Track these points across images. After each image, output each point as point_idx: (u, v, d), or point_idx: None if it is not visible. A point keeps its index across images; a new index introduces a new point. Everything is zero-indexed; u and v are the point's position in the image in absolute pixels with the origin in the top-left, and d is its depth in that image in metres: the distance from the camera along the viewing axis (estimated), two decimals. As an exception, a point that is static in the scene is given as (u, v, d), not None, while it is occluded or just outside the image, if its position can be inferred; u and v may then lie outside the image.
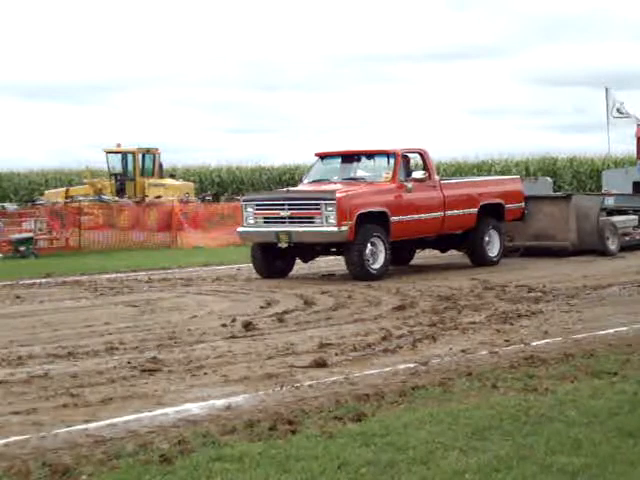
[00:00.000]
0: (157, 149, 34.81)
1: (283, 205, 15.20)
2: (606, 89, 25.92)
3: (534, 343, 8.72)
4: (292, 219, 15.03)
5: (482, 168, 42.90)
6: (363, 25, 68.98)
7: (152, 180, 33.86)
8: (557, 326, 9.76)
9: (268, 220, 15.38)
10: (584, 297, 12.14)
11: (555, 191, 25.49)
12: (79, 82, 67.27)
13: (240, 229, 15.97)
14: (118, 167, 34.58)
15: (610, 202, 20.49)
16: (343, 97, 69.67)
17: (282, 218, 15.14)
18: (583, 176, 41.41)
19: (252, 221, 15.57)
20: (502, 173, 40.11)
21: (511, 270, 16.07)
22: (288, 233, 14.96)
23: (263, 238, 15.41)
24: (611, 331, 9.37)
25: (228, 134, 70.92)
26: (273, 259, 15.69)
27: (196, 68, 69.30)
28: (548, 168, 41.76)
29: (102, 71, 68.79)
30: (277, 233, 15.07)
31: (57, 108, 72.24)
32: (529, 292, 12.66)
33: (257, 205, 15.62)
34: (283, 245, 15.22)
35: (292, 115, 67.93)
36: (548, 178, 25.26)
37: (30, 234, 23.18)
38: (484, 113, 70.00)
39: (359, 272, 14.70)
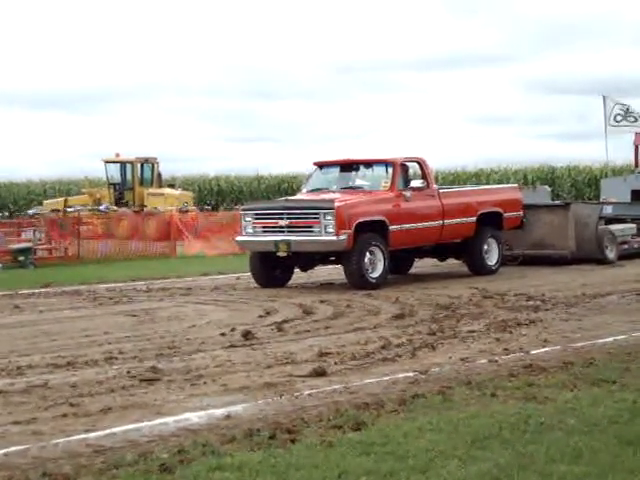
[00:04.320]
0: (156, 158, 34.88)
1: (282, 214, 15.20)
2: (604, 97, 25.95)
3: (533, 351, 8.71)
4: (291, 228, 15.04)
5: (480, 177, 42.99)
6: (362, 34, 69.18)
7: (151, 190, 33.92)
8: (556, 334, 9.76)
9: (267, 229, 15.39)
10: (583, 305, 12.14)
11: (554, 200, 25.53)
12: (77, 92, 67.43)
13: (239, 238, 15.99)
14: (117, 177, 34.64)
15: (608, 210, 20.50)
16: (343, 106, 69.85)
17: (281, 227, 15.14)
18: (582, 184, 41.51)
19: (251, 230, 15.58)
20: (500, 182, 40.20)
21: (510, 279, 16.08)
22: (287, 242, 14.96)
23: (262, 247, 15.42)
24: (610, 339, 9.37)
25: (227, 143, 71.11)
26: (272, 268, 15.69)
27: (195, 77, 69.52)
28: (547, 177, 41.87)
29: (101, 81, 68.90)
30: (276, 242, 15.07)
31: (56, 118, 72.40)
32: (528, 300, 12.67)
33: (256, 214, 15.63)
34: (282, 254, 15.23)
35: (292, 124, 68.07)
36: (547, 187, 25.30)
37: (29, 244, 23.17)
38: (483, 121, 70.17)
39: (358, 281, 14.70)
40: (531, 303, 12.38)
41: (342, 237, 14.57)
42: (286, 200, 16.83)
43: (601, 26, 64.07)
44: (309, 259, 15.85)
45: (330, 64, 68.97)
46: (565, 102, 67.81)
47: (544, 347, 8.97)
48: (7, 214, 36.92)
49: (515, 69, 67.72)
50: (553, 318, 11.00)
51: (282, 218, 15.13)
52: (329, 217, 14.62)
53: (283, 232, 15.08)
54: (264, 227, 15.43)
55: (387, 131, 65.29)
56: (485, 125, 71.41)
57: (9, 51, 69.14)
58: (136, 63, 71.16)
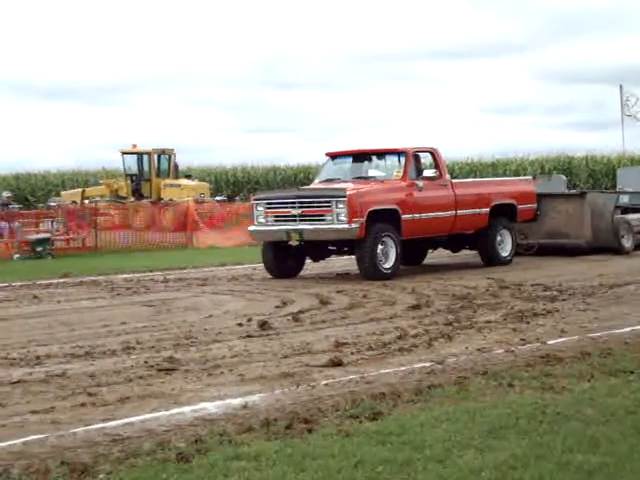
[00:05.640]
0: (172, 149, 34.95)
1: (294, 203, 15.14)
2: (620, 86, 25.83)
3: (550, 342, 8.69)
4: (303, 217, 14.98)
5: (497, 167, 42.84)
6: (379, 23, 69.09)
7: (168, 180, 34.00)
8: (573, 324, 9.73)
9: (279, 218, 15.34)
10: (600, 295, 12.10)
11: (570, 189, 25.42)
12: (95, 83, 67.62)
13: (251, 228, 15.93)
14: (134, 168, 34.74)
15: (625, 200, 20.41)
16: (359, 96, 69.83)
17: (293, 216, 15.08)
18: (599, 174, 41.29)
19: (263, 220, 15.53)
20: (517, 172, 40.09)
21: (526, 269, 16.04)
22: (299, 231, 14.92)
23: (274, 237, 15.38)
24: (627, 329, 9.33)
25: (244, 134, 71.20)
26: (284, 258, 15.68)
27: (212, 68, 69.56)
28: (564, 166, 41.66)
29: (118, 72, 69.09)
30: (288, 231, 15.03)
31: (73, 109, 72.62)
32: (545, 291, 12.63)
33: (268, 204, 15.57)
34: (294, 243, 15.19)
35: (308, 114, 68.08)
36: (562, 176, 25.20)
37: (47, 235, 23.31)
38: (500, 111, 70.00)
39: (370, 271, 14.63)
40: (548, 293, 12.35)
41: (354, 225, 14.52)
42: (298, 189, 16.82)
43: (618, 14, 63.74)
44: (321, 249, 15.83)
45: (346, 54, 68.91)
46: (582, 91, 67.59)
47: (561, 337, 8.95)
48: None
49: (531, 58, 67.47)
50: (570, 308, 10.97)
51: (294, 207, 15.08)
52: (341, 205, 14.56)
53: (295, 221, 15.03)
54: (276, 216, 15.38)
55: (403, 121, 65.25)
56: (501, 115, 71.24)
57: (26, 42, 69.35)
58: (153, 54, 71.26)
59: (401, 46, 67.10)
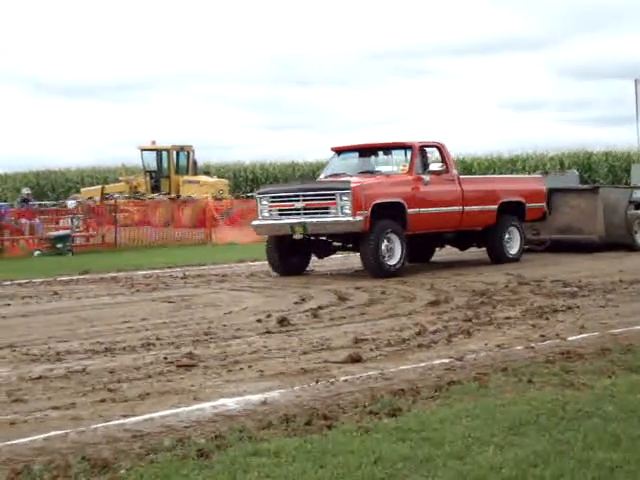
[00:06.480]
0: (191, 146, 35.04)
1: (298, 196, 14.95)
2: (635, 81, 25.64)
3: (570, 338, 8.65)
4: (307, 210, 14.79)
5: (517, 163, 42.69)
6: (395, 20, 68.93)
7: (186, 177, 34.10)
8: (594, 321, 9.68)
9: (283, 212, 15.15)
10: (621, 292, 12.03)
11: (586, 184, 25.26)
12: (114, 80, 67.87)
13: (255, 222, 15.68)
14: (153, 164, 34.85)
15: (638, 195, 20.26)
16: (376, 93, 69.75)
17: (297, 210, 14.89)
18: (618, 170, 41.06)
19: (267, 214, 15.34)
20: (536, 168, 39.92)
21: (545, 265, 15.97)
22: (303, 224, 14.74)
23: (278, 231, 15.18)
24: (648, 326, 9.28)
25: (263, 130, 71.29)
26: (288, 255, 15.56)
27: (231, 65, 69.72)
28: (583, 162, 41.45)
29: (137, 69, 69.31)
30: (292, 225, 14.85)
31: (93, 106, 72.96)
32: (565, 287, 12.58)
33: (272, 197, 15.36)
34: (298, 237, 15.02)
35: (326, 111, 68.08)
36: (575, 170, 25.05)
37: (67, 231, 23.43)
38: (519, 107, 69.81)
39: (375, 268, 14.42)
40: (567, 289, 12.30)
41: (359, 218, 14.33)
42: (302, 182, 16.70)
43: (634, 9, 63.33)
44: (325, 245, 15.71)
45: (364, 50, 68.88)
46: (600, 87, 67.29)
47: (581, 333, 8.90)
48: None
49: (549, 54, 67.28)
50: (590, 304, 10.92)
51: (298, 200, 14.89)
52: (345, 198, 14.37)
53: (299, 214, 14.87)
54: (280, 210, 15.19)
55: (420, 117, 65.16)
56: (519, 111, 70.97)
57: (46, 41, 69.69)
58: (171, 52, 71.43)
59: (418, 42, 67.03)
